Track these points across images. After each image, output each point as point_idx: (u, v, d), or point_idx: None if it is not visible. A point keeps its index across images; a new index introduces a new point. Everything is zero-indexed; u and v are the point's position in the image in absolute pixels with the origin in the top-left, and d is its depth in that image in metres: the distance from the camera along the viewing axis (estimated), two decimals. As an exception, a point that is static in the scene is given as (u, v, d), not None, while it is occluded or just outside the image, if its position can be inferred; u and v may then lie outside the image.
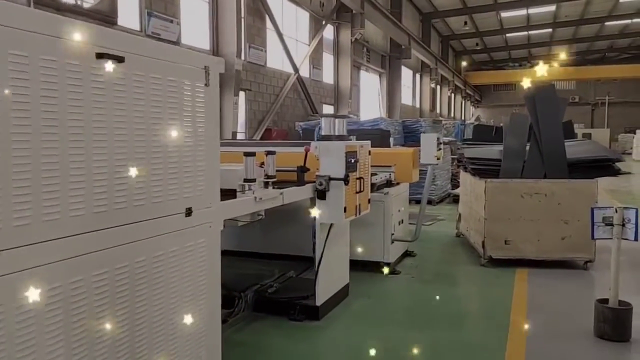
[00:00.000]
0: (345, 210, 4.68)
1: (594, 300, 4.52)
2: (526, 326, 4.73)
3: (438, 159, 6.20)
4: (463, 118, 40.92)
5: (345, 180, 4.56)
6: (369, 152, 5.37)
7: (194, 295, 3.04)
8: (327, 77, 19.08)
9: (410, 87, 31.70)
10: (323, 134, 4.89)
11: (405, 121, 14.05)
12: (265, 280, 5.39)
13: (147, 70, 2.66)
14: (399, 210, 6.83)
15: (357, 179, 4.93)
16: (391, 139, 11.61)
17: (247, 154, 3.68)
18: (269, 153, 3.98)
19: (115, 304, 2.49)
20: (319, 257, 4.78)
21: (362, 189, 5.02)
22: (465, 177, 8.21)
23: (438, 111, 37.71)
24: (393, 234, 6.48)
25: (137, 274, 2.62)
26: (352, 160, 4.82)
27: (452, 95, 42.59)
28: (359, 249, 6.36)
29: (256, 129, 13.95)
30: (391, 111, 24.99)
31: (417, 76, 32.92)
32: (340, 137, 5.04)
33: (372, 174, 6.19)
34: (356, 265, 6.10)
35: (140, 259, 2.65)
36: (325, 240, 4.78)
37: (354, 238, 6.12)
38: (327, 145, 4.67)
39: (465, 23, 33.59)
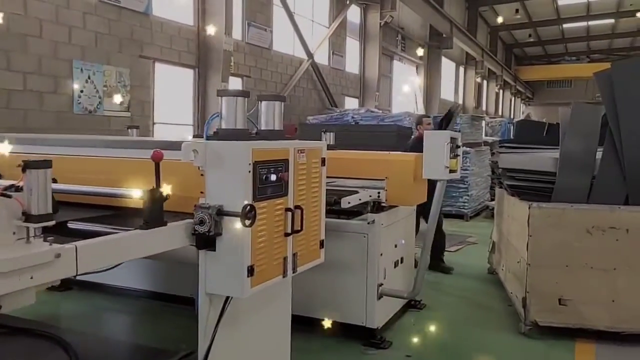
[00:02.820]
0: (251, 272, 2.47)
1: None
2: None
3: (452, 171, 3.87)
4: (512, 116, 37.69)
5: (246, 216, 2.34)
6: (323, 160, 3.14)
7: None
8: (352, 66, 16.71)
9: (453, 80, 28.92)
10: (223, 126, 2.68)
11: (438, 117, 11.59)
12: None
13: None
14: (395, 246, 4.55)
15: (287, 210, 2.72)
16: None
17: None
18: (27, 167, 1.80)
19: None
20: (204, 353, 2.57)
21: (299, 228, 2.80)
22: (501, 195, 5.82)
23: (484, 108, 34.69)
24: (382, 285, 4.22)
25: None
26: (275, 177, 2.62)
27: (501, 91, 39.34)
28: (327, 307, 4.17)
29: (257, 123, 11.79)
30: (429, 107, 22.39)
31: (461, 69, 30.08)
32: (262, 134, 2.85)
33: (352, 192, 4.01)
34: (322, 329, 3.93)
35: None
36: (217, 324, 2.57)
37: (319, 288, 4.06)
38: (216, 149, 2.48)
39: (517, 11, 30.39)
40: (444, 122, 6.63)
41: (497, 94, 38.45)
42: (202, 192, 2.50)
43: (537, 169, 4.64)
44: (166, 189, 2.30)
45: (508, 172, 4.76)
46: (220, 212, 2.41)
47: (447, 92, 27.18)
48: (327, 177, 4.70)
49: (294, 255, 2.83)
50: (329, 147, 4.81)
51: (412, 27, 21.43)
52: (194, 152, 2.44)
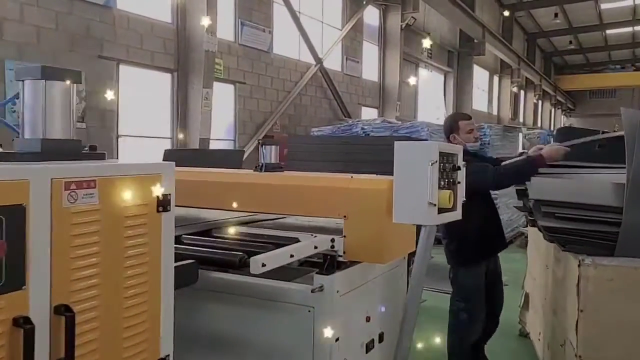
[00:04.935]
0: None
1: None
2: None
3: (445, 209, 2.27)
4: (552, 128, 35.38)
5: None
6: (163, 201, 1.59)
7: None
8: (370, 73, 15.13)
9: (486, 90, 27.00)
10: None
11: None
12: None
13: None
14: (367, 320, 2.94)
15: (18, 323, 1.18)
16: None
17: None
18: None
19: None
20: None
21: (65, 355, 1.26)
22: (536, 238, 4.13)
23: (521, 120, 32.55)
24: (338, 388, 2.62)
25: None
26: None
27: (539, 101, 37.06)
28: None
29: (252, 135, 10.35)
30: (459, 118, 20.61)
31: (495, 78, 28.13)
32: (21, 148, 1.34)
33: (290, 241, 2.50)
34: None
35: None
36: None
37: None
38: None
39: (556, 15, 28.34)
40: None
41: (536, 105, 36.31)
42: None
43: (589, 202, 2.97)
44: None
45: (543, 205, 3.10)
46: None
47: (480, 102, 25.34)
48: (269, 213, 3.22)
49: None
50: (269, 168, 3.28)
51: (439, 32, 19.78)
52: None
